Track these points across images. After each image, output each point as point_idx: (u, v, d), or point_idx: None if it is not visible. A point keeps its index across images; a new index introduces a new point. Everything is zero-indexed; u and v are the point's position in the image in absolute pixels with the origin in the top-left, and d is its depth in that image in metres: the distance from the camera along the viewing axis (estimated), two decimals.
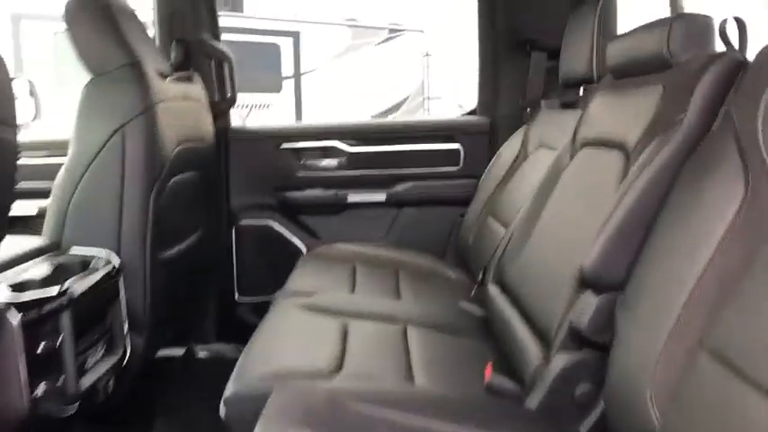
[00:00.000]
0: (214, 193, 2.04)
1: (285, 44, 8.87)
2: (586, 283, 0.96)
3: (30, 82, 2.60)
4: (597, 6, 1.56)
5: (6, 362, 1.04)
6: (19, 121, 1.09)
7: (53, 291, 1.14)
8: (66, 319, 1.15)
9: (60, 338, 1.14)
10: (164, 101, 1.55)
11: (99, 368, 1.30)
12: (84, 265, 1.33)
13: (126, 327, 1.43)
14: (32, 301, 1.10)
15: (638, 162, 0.96)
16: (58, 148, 2.02)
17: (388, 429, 0.83)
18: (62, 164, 1.47)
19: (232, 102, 2.10)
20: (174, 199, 1.63)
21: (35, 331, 1.09)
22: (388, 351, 1.21)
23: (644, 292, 0.84)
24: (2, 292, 1.08)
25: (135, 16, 1.65)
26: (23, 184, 1.27)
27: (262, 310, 2.20)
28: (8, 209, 1.01)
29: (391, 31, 9.87)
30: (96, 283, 1.29)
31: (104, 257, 1.37)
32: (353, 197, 2.17)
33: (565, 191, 1.28)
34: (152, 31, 2.01)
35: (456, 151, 2.18)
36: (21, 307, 1.07)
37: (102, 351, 1.33)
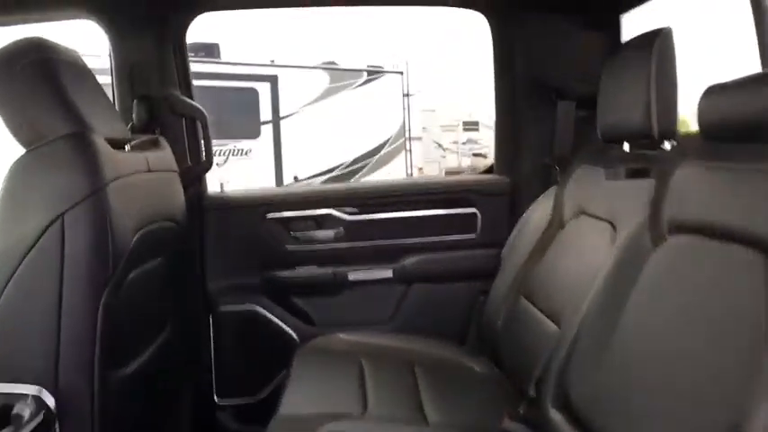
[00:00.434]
0: (187, 277, 1.69)
1: (263, 89, 8.65)
2: None
3: None
4: (651, 47, 1.28)
5: None
6: None
7: None
8: None
9: None
10: (120, 177, 1.21)
11: None
12: (4, 415, 0.96)
13: None
14: None
15: None
16: None
17: None
18: None
19: (207, 166, 1.77)
20: (133, 298, 1.27)
21: None
22: None
23: None
24: None
25: (86, 71, 1.32)
26: None
27: (246, 414, 1.85)
28: None
29: (370, 73, 9.73)
30: None
31: (32, 400, 1.01)
32: (354, 274, 1.83)
33: (661, 293, 0.96)
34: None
35: (472, 216, 1.87)
36: None
37: None
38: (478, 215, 1.86)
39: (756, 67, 1.40)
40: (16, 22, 1.67)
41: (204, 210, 1.78)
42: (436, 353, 1.65)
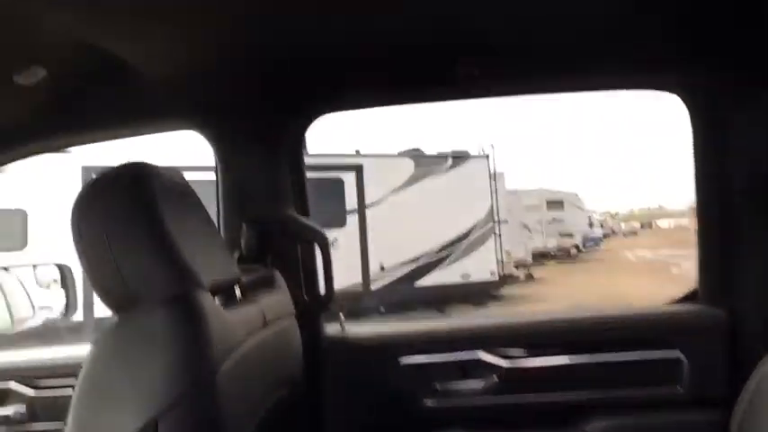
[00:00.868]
0: None
1: (348, 178, 8.58)
2: None
3: (63, 268, 2.03)
4: None
5: None
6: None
7: None
8: None
9: None
10: (232, 350, 0.86)
11: None
12: None
13: None
14: None
15: None
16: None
17: None
18: None
19: (327, 300, 1.41)
20: None
21: None
22: None
23: None
24: None
25: (191, 196, 1.00)
26: None
27: None
28: None
29: (455, 158, 9.50)
30: None
31: None
32: None
33: None
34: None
35: (674, 362, 1.38)
36: None
37: None
38: (683, 360, 1.37)
39: None
40: (120, 137, 1.44)
41: (322, 357, 1.40)
42: None
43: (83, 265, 0.84)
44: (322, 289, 1.43)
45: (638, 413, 1.37)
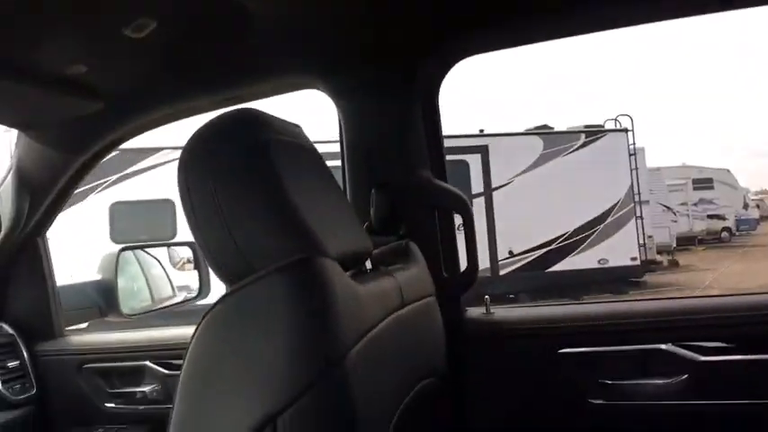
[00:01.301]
0: None
1: (473, 161, 8.26)
2: None
3: (195, 248, 2.01)
4: None
5: None
6: None
7: None
8: None
9: None
10: (365, 333, 0.69)
11: None
12: None
13: None
14: None
15: None
16: None
17: None
18: None
19: (470, 278, 1.21)
20: None
21: None
22: None
23: None
24: None
25: (312, 154, 0.84)
26: None
27: None
28: None
29: (589, 134, 8.79)
30: None
31: None
32: None
33: None
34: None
35: None
36: None
37: None
38: None
39: None
40: (239, 100, 1.33)
41: (466, 343, 1.20)
42: None
43: (191, 225, 0.71)
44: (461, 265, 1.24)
45: None
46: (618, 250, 8.58)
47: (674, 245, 13.06)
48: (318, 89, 1.26)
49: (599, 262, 8.49)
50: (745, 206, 19.33)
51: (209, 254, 0.71)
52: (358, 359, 0.65)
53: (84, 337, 1.54)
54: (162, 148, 7.01)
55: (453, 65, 1.22)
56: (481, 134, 8.59)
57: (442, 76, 1.24)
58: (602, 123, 9.12)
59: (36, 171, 1.38)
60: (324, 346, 0.61)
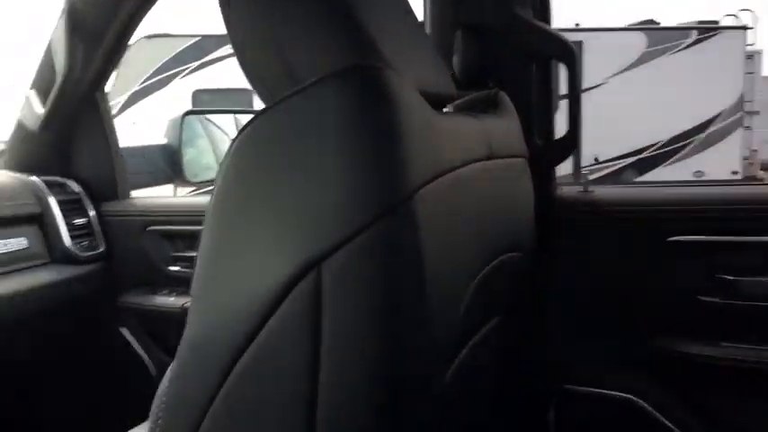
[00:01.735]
0: (525, 342, 0.97)
1: None
2: None
3: None
4: None
5: None
6: None
7: None
8: None
9: None
10: (443, 172, 0.54)
11: None
12: None
13: None
14: None
15: None
16: None
17: None
18: None
19: (569, 147, 1.02)
20: (452, 402, 0.61)
21: None
22: None
23: None
24: None
25: None
26: None
27: None
28: None
29: (702, 30, 7.81)
30: None
31: None
32: None
33: None
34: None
35: None
36: None
37: None
38: None
39: None
40: None
41: (557, 223, 1.03)
42: None
43: (233, 39, 0.56)
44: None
45: None
46: (717, 163, 7.87)
47: None
48: None
49: (694, 174, 7.85)
50: None
51: (253, 75, 0.57)
52: (430, 201, 0.50)
53: (149, 199, 1.50)
54: None
55: None
56: (576, 29, 7.85)
57: None
58: (717, 20, 8.08)
59: (89, 15, 1.27)
60: (387, 177, 0.46)
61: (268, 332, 0.44)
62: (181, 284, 1.41)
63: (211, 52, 7.22)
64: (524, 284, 0.87)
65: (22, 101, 1.43)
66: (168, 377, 0.51)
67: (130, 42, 1.36)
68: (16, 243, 1.30)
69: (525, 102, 1.00)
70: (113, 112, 1.56)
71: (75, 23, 1.26)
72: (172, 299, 1.38)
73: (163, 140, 1.64)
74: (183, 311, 1.33)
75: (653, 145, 7.77)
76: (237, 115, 2.03)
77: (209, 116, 1.89)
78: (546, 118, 1.03)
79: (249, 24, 0.55)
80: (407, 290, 0.47)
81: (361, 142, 0.46)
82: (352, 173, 0.45)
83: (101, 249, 1.43)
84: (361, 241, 0.44)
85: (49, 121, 1.39)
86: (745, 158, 8.13)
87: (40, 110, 1.38)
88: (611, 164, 7.76)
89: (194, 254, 1.35)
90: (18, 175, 1.40)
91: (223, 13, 0.57)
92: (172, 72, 6.99)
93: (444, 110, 0.73)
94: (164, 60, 7.18)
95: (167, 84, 6.98)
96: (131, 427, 1.17)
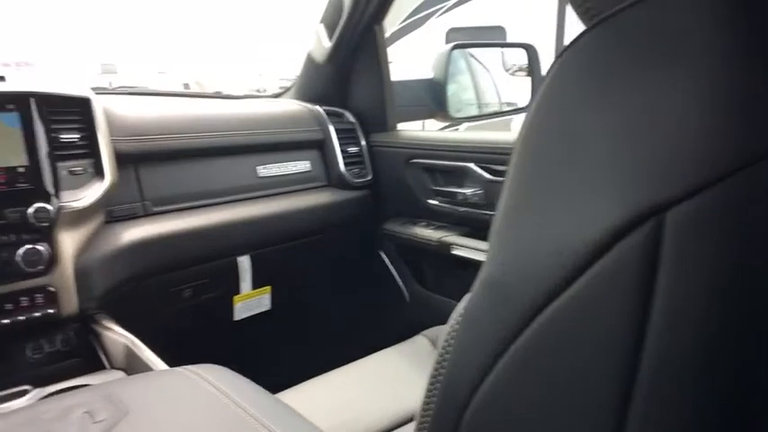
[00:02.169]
0: None
1: None
2: None
3: (529, 49, 1.81)
4: None
5: None
6: None
7: None
8: None
9: None
10: None
11: None
12: None
13: None
14: None
15: None
16: None
17: None
18: None
19: None
20: None
21: None
22: None
23: None
24: None
25: None
26: None
27: None
28: None
29: None
30: None
31: None
32: None
33: None
34: None
35: None
36: None
37: None
38: None
39: None
40: None
41: None
42: None
43: None
44: None
45: None
46: None
47: None
48: None
49: None
50: None
51: None
52: None
53: (413, 132, 1.54)
54: None
55: None
56: None
57: None
58: None
59: None
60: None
61: (586, 282, 0.38)
62: (438, 218, 1.44)
63: None
64: None
65: (312, 36, 1.56)
66: (458, 313, 0.49)
67: None
68: (302, 165, 1.46)
69: None
70: None
71: None
72: (429, 231, 1.42)
73: (428, 75, 1.66)
74: (440, 244, 1.36)
75: None
76: (504, 49, 1.96)
77: (471, 51, 1.85)
78: None
79: None
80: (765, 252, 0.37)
81: (740, 58, 0.36)
82: (719, 101, 0.36)
83: (369, 177, 1.53)
84: (718, 191, 0.35)
85: (334, 53, 1.49)
86: None
87: (327, 43, 1.49)
88: None
89: (453, 189, 1.36)
90: (305, 104, 1.56)
91: None
92: (428, 11, 7.13)
93: None
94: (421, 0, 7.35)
95: (423, 23, 7.16)
96: (377, 350, 1.25)
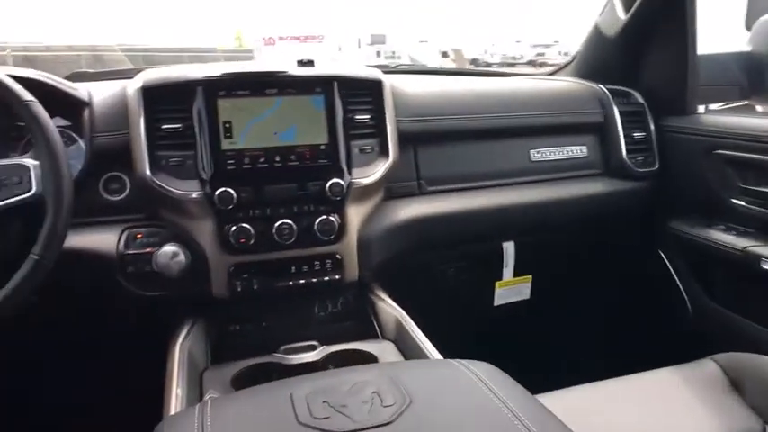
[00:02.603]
0: None
1: None
2: None
3: None
4: None
5: None
6: None
7: None
8: None
9: None
10: None
11: None
12: None
13: None
14: None
15: None
16: None
17: None
18: None
19: None
20: None
21: None
22: None
23: None
24: None
25: None
26: None
27: None
28: None
29: None
30: None
31: None
32: None
33: None
34: None
35: None
36: None
37: None
38: None
39: None
40: None
41: None
42: None
43: None
44: None
45: None
46: None
47: None
48: None
49: None
50: None
51: None
52: None
53: (720, 118, 1.30)
54: None
55: None
56: None
57: None
58: None
59: None
60: None
61: None
62: (744, 222, 1.20)
63: None
64: None
65: (603, 5, 1.41)
66: None
67: None
68: (578, 150, 1.35)
69: None
70: None
71: None
72: (730, 237, 1.19)
73: (745, 48, 1.37)
74: (744, 255, 1.13)
75: None
76: None
77: None
78: None
79: None
80: None
81: None
82: None
83: (655, 167, 1.35)
84: None
85: (628, 26, 1.32)
86: None
87: (622, 15, 1.33)
88: None
89: (766, 189, 1.11)
90: (586, 82, 1.42)
91: None
92: None
93: None
94: None
95: None
96: (643, 362, 1.08)
